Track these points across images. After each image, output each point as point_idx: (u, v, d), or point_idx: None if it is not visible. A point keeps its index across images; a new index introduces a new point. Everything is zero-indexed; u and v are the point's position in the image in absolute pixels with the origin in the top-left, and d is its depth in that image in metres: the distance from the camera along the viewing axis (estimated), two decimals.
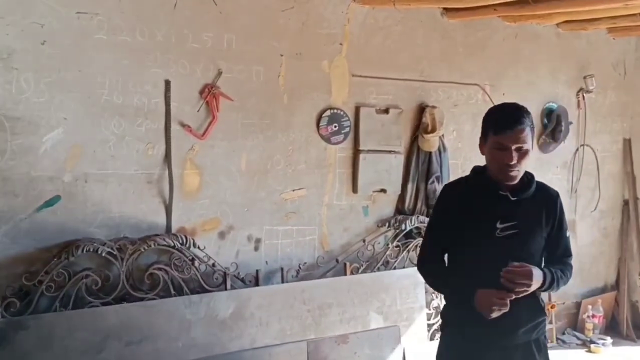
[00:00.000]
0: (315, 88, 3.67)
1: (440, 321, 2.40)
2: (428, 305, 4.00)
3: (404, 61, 3.99)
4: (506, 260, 2.05)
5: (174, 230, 3.27)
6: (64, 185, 2.97)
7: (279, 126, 3.57)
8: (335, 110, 3.73)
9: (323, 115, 3.69)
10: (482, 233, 2.18)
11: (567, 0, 3.47)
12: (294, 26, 3.57)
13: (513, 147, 2.08)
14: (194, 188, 3.34)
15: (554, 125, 4.64)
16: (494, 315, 2.05)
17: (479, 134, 3.95)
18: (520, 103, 4.60)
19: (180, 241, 3.19)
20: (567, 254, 2.32)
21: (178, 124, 3.25)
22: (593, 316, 4.91)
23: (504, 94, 4.41)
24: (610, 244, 5.24)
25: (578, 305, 5.04)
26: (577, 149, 4.93)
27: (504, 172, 2.13)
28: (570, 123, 4.81)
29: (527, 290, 2.04)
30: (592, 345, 4.74)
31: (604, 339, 4.79)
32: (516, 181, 2.15)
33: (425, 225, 3.94)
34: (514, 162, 2.09)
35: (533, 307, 2.23)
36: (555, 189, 2.34)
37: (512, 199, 2.17)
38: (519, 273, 2.02)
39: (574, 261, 2.36)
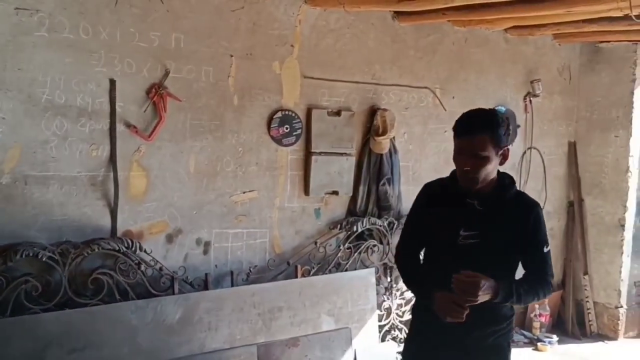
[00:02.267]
0: (266, 89, 3.64)
1: (410, 316, 2.42)
2: (379, 306, 4.03)
3: (356, 63, 4.00)
4: (466, 268, 2.02)
5: (119, 234, 3.19)
6: (2, 187, 2.86)
7: (228, 127, 3.52)
8: (287, 112, 3.71)
9: (274, 117, 3.67)
10: (446, 238, 2.19)
11: (513, 6, 3.55)
12: (245, 26, 3.53)
13: (468, 153, 2.08)
14: (140, 190, 3.26)
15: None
16: (449, 320, 2.05)
17: (429, 137, 4.08)
18: (471, 106, 4.66)
19: (126, 245, 3.12)
20: (542, 270, 2.20)
21: (123, 125, 3.17)
22: (540, 315, 5.03)
23: (453, 97, 4.48)
24: (557, 245, 5.37)
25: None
26: (525, 152, 5.05)
27: (462, 177, 2.13)
28: (518, 126, 4.93)
29: (475, 301, 2.00)
30: (539, 344, 4.86)
31: (551, 337, 4.92)
32: (476, 187, 2.12)
33: (378, 227, 4.00)
34: (468, 168, 2.08)
35: (491, 315, 2.19)
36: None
37: (478, 208, 2.15)
38: (466, 282, 1.99)
39: None
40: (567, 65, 5.25)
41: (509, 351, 2.30)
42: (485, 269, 2.03)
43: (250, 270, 3.58)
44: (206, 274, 3.41)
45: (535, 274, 2.20)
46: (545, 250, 2.21)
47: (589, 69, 5.27)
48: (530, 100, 4.98)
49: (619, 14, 3.24)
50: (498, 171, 2.20)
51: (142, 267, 3.18)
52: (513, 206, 2.18)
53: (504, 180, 2.21)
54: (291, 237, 3.83)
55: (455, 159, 2.16)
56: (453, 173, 2.26)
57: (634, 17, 3.08)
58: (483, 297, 2.00)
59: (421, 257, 2.40)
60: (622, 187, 5.08)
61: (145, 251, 3.20)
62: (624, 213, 5.07)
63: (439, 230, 2.21)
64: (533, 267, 2.21)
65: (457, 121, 2.15)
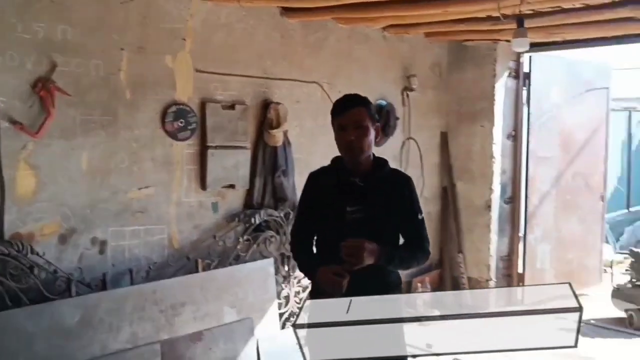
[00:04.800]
0: (159, 83, 3.59)
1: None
2: (279, 295, 4.13)
3: (247, 58, 4.06)
4: None
5: (7, 237, 3.00)
6: None
7: (121, 123, 3.43)
8: (181, 106, 3.69)
9: (168, 111, 3.63)
10: (334, 216, 2.37)
11: (395, 4, 3.81)
12: (135, 19, 3.45)
13: (351, 126, 2.28)
14: (29, 190, 3.08)
15: (384, 121, 5.05)
16: (330, 291, 2.19)
17: (319, 129, 4.24)
18: None
19: (16, 248, 2.95)
20: (418, 236, 2.44)
21: (8, 121, 2.98)
22: (422, 292, 5.44)
23: (340, 91, 4.66)
24: (434, 227, 5.82)
25: (409, 283, 5.54)
26: (404, 142, 5.41)
27: (348, 151, 2.33)
28: (397, 119, 5.27)
29: (360, 263, 2.18)
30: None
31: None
32: (362, 157, 2.33)
33: (275, 218, 4.10)
34: (353, 138, 2.28)
35: (379, 282, 2.34)
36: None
37: (360, 184, 2.36)
38: (351, 247, 2.19)
39: None
40: (438, 62, 5.69)
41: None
42: (371, 239, 2.24)
43: (149, 268, 3.52)
44: (104, 274, 3.31)
45: (413, 240, 2.44)
46: (420, 217, 2.45)
47: (456, 66, 5.75)
48: (408, 95, 5.34)
49: (496, 13, 3.57)
50: (373, 154, 2.45)
51: (35, 271, 3.01)
52: (390, 181, 2.43)
53: (379, 160, 2.47)
54: (190, 232, 3.82)
55: (337, 138, 2.35)
56: (334, 160, 2.48)
57: (501, 17, 3.43)
58: (368, 259, 2.20)
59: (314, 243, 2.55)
60: (487, 172, 5.61)
61: (37, 254, 3.04)
62: (490, 195, 5.61)
63: (327, 210, 2.40)
64: (411, 233, 2.44)
65: (335, 104, 2.39)
